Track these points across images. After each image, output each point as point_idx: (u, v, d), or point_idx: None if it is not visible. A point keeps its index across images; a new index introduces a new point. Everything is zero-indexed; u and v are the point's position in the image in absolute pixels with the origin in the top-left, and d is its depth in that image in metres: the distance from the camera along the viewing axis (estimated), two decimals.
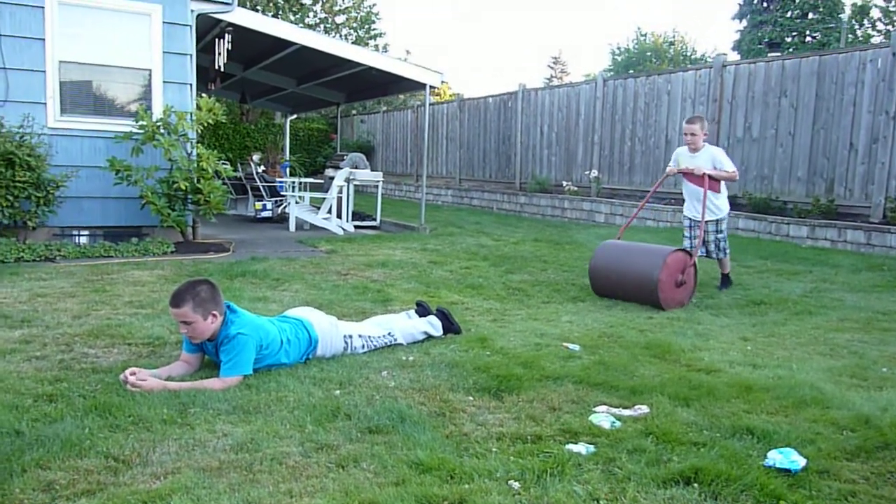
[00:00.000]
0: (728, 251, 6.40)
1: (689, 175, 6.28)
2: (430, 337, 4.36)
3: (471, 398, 3.32)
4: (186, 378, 3.49)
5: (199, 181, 7.94)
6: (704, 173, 6.05)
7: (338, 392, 3.33)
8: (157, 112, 8.06)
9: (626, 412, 3.16)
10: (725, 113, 11.00)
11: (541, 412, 3.15)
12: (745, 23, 29.86)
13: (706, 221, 6.19)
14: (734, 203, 10.58)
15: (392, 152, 21.15)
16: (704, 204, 6.07)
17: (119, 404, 3.01)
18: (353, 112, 24.84)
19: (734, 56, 28.54)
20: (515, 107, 15.38)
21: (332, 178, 11.75)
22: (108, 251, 7.38)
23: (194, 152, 8.12)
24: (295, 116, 20.55)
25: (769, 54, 13.90)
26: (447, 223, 11.87)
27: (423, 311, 4.58)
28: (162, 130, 7.80)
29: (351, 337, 4.01)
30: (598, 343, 4.44)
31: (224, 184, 8.48)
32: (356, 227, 11.28)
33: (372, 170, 13.08)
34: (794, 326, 5.07)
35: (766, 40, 26.76)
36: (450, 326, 4.48)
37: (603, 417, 3.06)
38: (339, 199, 11.09)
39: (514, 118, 15.43)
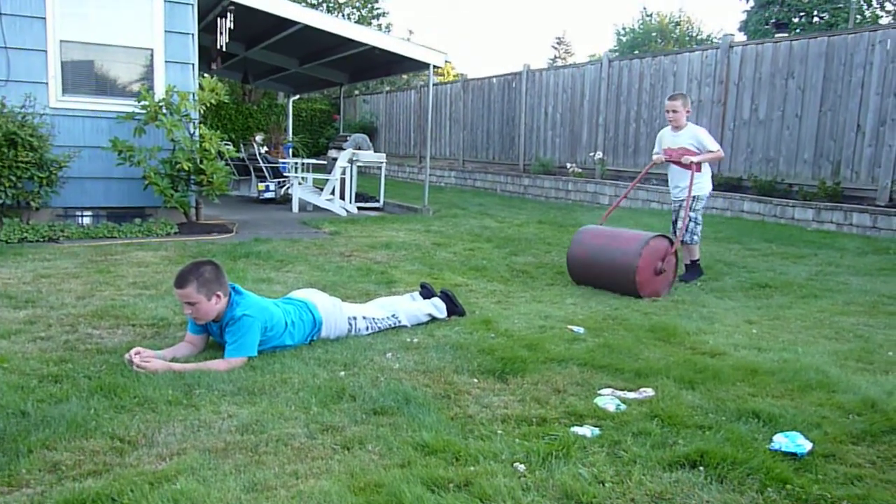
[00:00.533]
0: (698, 238, 6.08)
1: (674, 154, 6.07)
2: (434, 319, 4.36)
3: (475, 380, 3.32)
4: (191, 359, 3.49)
5: (201, 162, 7.91)
6: (692, 162, 5.85)
7: (342, 373, 3.33)
8: (160, 92, 8.01)
9: (631, 395, 3.16)
10: (732, 94, 10.91)
11: (545, 394, 3.15)
12: (751, 3, 29.55)
13: (680, 199, 6.05)
14: (738, 186, 10.57)
15: (395, 133, 21.05)
16: (690, 191, 5.86)
17: (124, 385, 3.01)
18: (356, 93, 24.68)
19: (741, 37, 28.24)
20: (520, 87, 15.27)
21: (335, 160, 11.70)
22: (112, 232, 7.37)
23: (197, 133, 8.08)
24: (298, 97, 20.43)
25: (776, 35, 13.75)
26: (450, 205, 11.84)
27: (427, 293, 4.57)
28: (164, 111, 7.75)
29: (355, 319, 4.00)
30: (603, 326, 4.43)
31: (227, 164, 8.45)
32: (359, 208, 11.25)
33: (375, 151, 13.03)
34: (800, 310, 5.05)
35: (773, 21, 26.46)
36: (454, 309, 4.48)
37: (608, 400, 3.06)
38: (343, 181, 11.05)
39: (519, 99, 15.32)
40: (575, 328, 4.29)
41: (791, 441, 2.63)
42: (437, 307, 4.40)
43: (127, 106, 7.88)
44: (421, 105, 19.12)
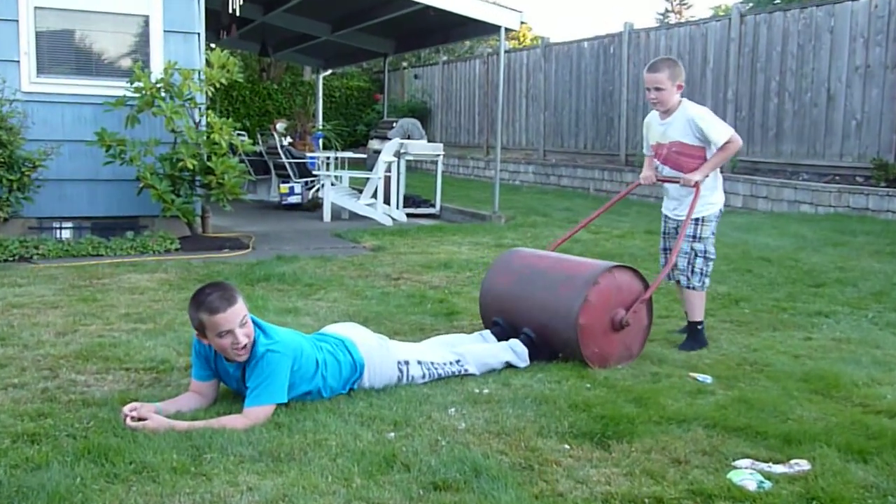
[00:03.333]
0: (706, 281, 5.05)
1: (664, 153, 5.12)
2: (510, 367, 4.35)
3: (566, 446, 3.31)
4: (199, 414, 3.58)
5: (209, 158, 8.14)
6: (696, 182, 4.80)
7: (392, 435, 3.37)
8: (157, 70, 8.28)
9: (779, 468, 3.10)
10: None
11: (661, 466, 3.12)
12: None
13: (677, 219, 5.13)
14: None
15: (455, 116, 21.22)
16: (691, 212, 4.87)
17: (117, 447, 3.11)
18: (405, 65, 25.04)
19: None
20: (620, 53, 15.21)
21: (377, 152, 11.88)
22: (98, 248, 7.66)
23: (203, 121, 8.33)
24: (330, 72, 20.84)
25: None
26: (528, 210, 11.85)
27: (501, 331, 4.57)
28: (163, 94, 8.02)
29: (407, 363, 4.04)
30: (737, 373, 4.36)
31: (241, 161, 8.68)
32: (409, 215, 11.38)
33: (429, 140, 13.18)
34: None
35: None
36: (538, 353, 4.44)
37: (747, 475, 3.02)
38: (387, 180, 11.19)
39: (618, 68, 15.26)
40: (700, 376, 4.24)
41: None
42: (517, 352, 4.38)
43: (116, 88, 8.17)
44: (489, 79, 19.22)
